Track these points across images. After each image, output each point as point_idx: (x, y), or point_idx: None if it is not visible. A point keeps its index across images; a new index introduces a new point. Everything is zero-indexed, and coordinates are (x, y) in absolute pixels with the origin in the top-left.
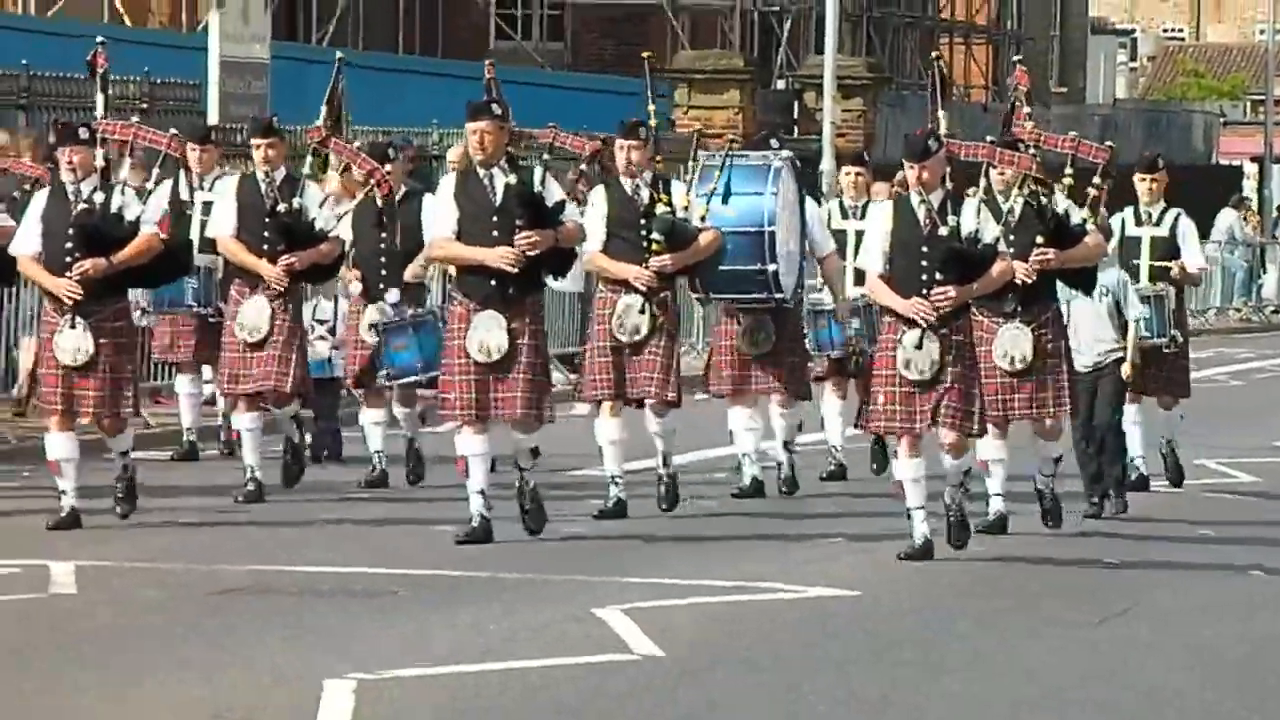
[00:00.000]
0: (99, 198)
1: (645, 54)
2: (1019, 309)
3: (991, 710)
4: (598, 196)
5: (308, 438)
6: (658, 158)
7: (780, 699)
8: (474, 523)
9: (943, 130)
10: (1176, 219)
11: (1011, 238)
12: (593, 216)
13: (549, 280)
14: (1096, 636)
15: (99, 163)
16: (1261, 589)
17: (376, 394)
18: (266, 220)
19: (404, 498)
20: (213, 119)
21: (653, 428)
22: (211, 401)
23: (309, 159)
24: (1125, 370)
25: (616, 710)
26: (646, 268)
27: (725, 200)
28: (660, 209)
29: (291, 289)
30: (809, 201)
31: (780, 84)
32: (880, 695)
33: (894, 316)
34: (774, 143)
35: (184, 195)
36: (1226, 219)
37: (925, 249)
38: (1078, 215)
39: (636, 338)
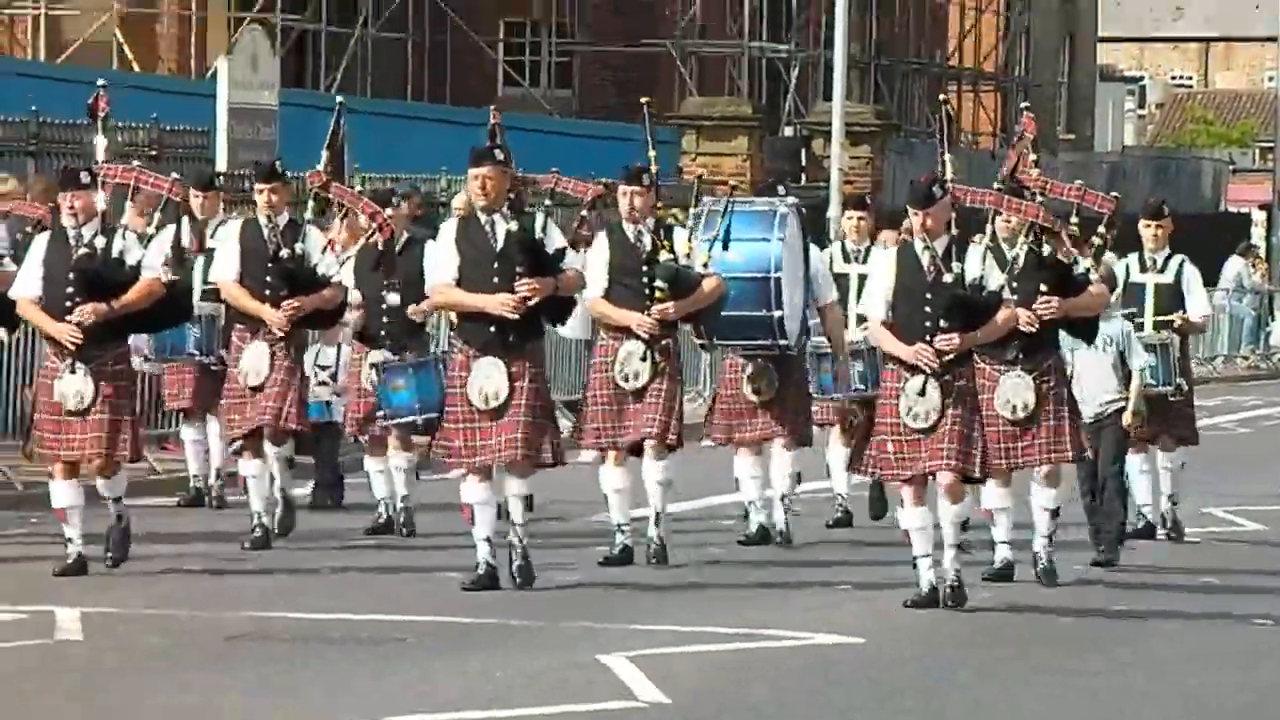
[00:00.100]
0: (100, 242)
1: (644, 100)
2: (1021, 356)
3: None
4: (600, 242)
5: (304, 489)
6: (659, 204)
7: None
8: (480, 570)
9: (949, 175)
10: (1181, 265)
11: (1015, 285)
12: (595, 262)
13: (557, 328)
14: (1096, 685)
15: (100, 207)
16: (1266, 638)
17: (380, 441)
18: (269, 266)
19: (409, 545)
20: (221, 165)
21: (652, 476)
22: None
23: (310, 203)
24: (1127, 419)
25: None
26: (649, 315)
27: (725, 246)
28: (663, 256)
29: (293, 334)
30: (813, 248)
31: (788, 131)
32: None
33: (897, 363)
34: (780, 189)
35: (185, 241)
36: (1234, 266)
37: (929, 296)
38: (1081, 264)
39: (638, 384)
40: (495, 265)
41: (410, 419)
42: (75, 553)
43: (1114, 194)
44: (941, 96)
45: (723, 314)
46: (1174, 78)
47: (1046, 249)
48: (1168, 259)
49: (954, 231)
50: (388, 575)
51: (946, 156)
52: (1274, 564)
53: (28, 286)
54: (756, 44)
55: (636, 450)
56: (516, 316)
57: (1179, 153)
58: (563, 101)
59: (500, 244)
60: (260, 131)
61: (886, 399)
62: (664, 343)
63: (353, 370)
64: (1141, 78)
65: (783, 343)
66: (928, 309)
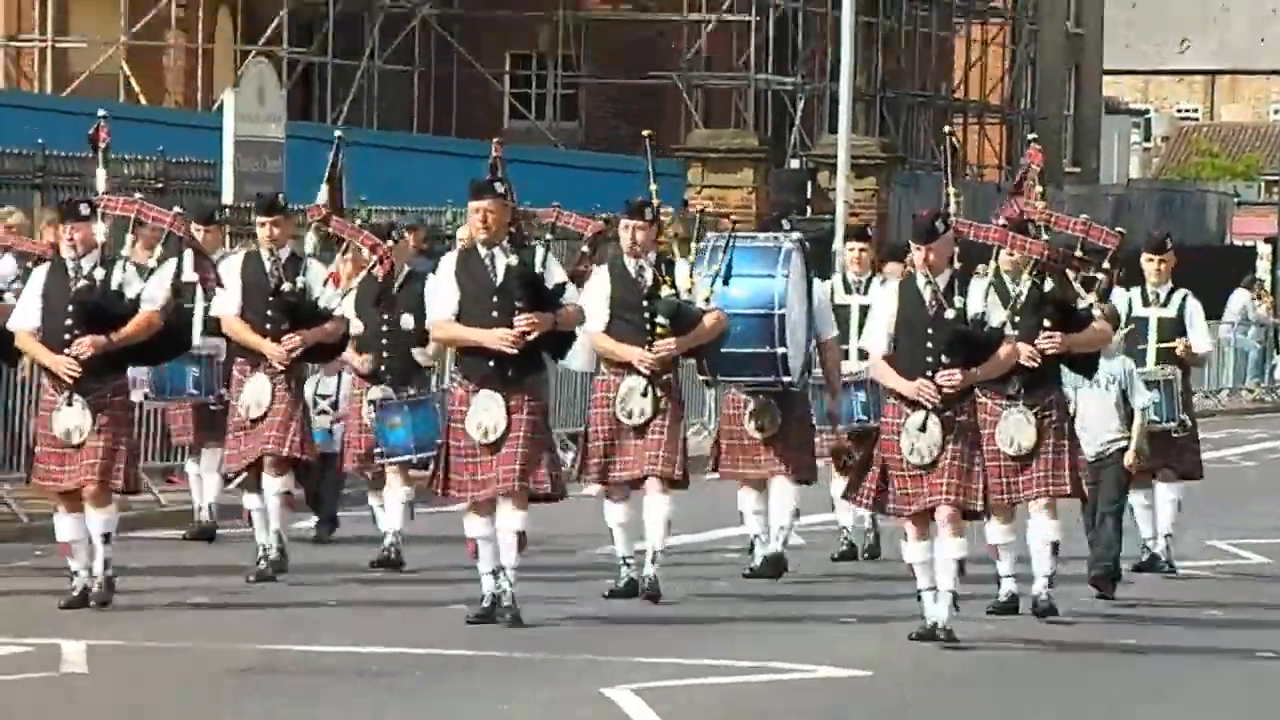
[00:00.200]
0: (99, 274)
1: (646, 133)
2: (1023, 391)
3: None
4: (600, 277)
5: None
6: (661, 238)
7: None
8: (485, 603)
9: (952, 208)
10: (1184, 300)
11: (1018, 320)
12: (595, 296)
13: (558, 362)
14: (1100, 718)
15: (100, 239)
16: (1271, 672)
17: (381, 476)
18: (270, 299)
19: (413, 579)
20: (227, 198)
21: (653, 513)
22: (227, 480)
23: (309, 237)
24: (1129, 459)
25: None
26: (650, 350)
27: (726, 281)
28: (664, 291)
29: (294, 367)
30: (816, 282)
31: (794, 163)
32: None
33: (898, 398)
34: (785, 224)
35: (187, 276)
36: (1239, 299)
37: (931, 331)
38: (1084, 300)
39: (640, 420)
40: (495, 299)
41: (406, 458)
42: (80, 585)
43: (1119, 229)
44: (946, 129)
45: (726, 351)
46: (1179, 110)
47: (1050, 284)
48: (1170, 293)
49: (956, 266)
50: (393, 608)
51: (950, 190)
52: (1279, 597)
53: (26, 318)
54: (762, 76)
55: (638, 484)
56: (515, 351)
57: (1184, 185)
58: (568, 133)
59: (500, 278)
60: (266, 164)
61: (887, 434)
62: (665, 378)
63: (354, 404)
64: (1147, 110)
65: (786, 379)
66: (929, 344)
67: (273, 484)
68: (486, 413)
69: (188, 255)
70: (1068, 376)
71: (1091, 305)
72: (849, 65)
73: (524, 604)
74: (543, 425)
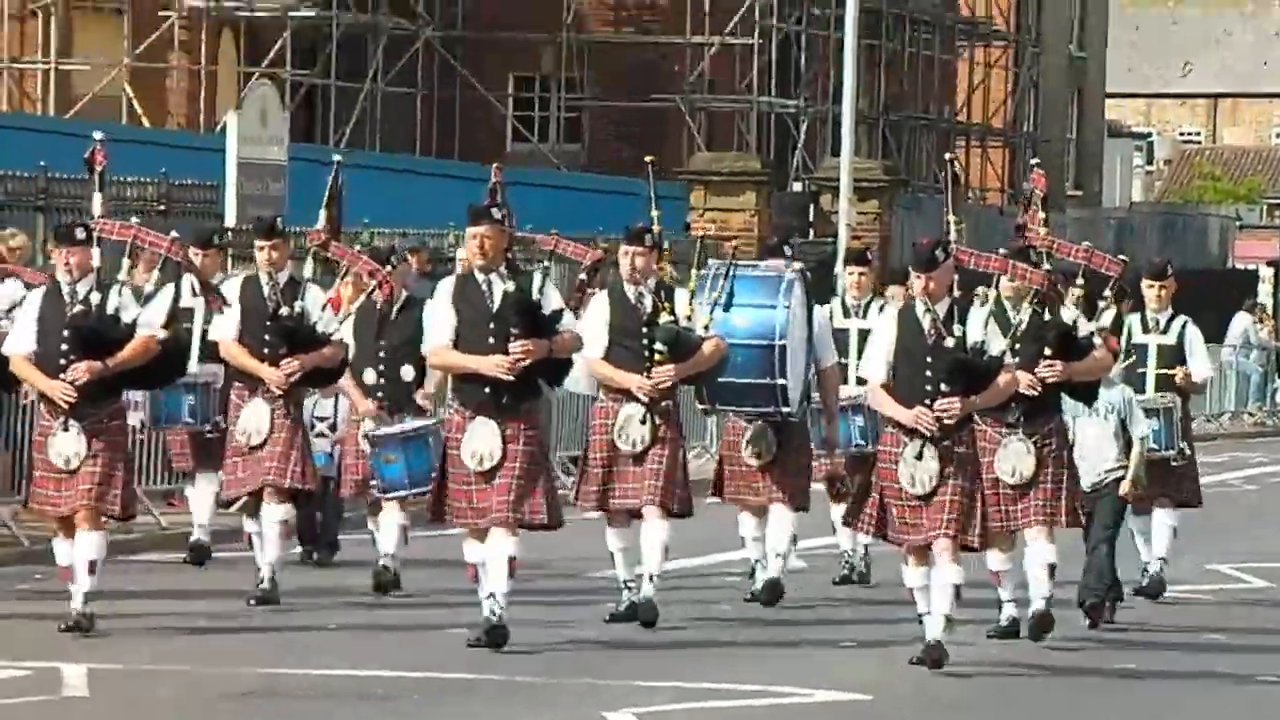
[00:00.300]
0: (95, 298)
1: (648, 159)
2: (1022, 419)
3: None
4: (600, 302)
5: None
6: (661, 264)
7: None
8: (485, 626)
9: (953, 236)
10: (1184, 327)
11: (1018, 347)
12: (595, 322)
13: (565, 384)
14: None
15: (96, 263)
16: (1273, 696)
17: (379, 502)
18: (268, 324)
19: (412, 602)
20: (230, 220)
21: (650, 540)
22: (227, 505)
23: (309, 261)
24: (1124, 488)
25: None
26: (648, 377)
27: (726, 308)
28: (663, 318)
29: (292, 392)
30: (817, 310)
31: (796, 186)
32: None
33: (896, 427)
34: (787, 250)
35: (185, 300)
36: (1241, 323)
37: (930, 359)
38: (1086, 328)
39: (638, 448)
40: (491, 326)
41: (402, 494)
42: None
43: (1121, 257)
44: (948, 156)
45: (726, 380)
46: (1182, 134)
47: (1050, 314)
48: (1170, 320)
49: (956, 294)
50: (392, 632)
51: (951, 219)
52: (1279, 622)
53: (21, 343)
54: (765, 99)
55: (637, 513)
56: (510, 378)
57: (1186, 209)
58: (571, 156)
59: (496, 304)
60: (269, 186)
61: (886, 463)
62: (664, 405)
63: (351, 430)
64: (1149, 134)
65: (785, 410)
66: (928, 372)
67: (274, 512)
68: (481, 441)
69: (186, 279)
70: (1066, 404)
71: (1092, 334)
72: (852, 88)
73: (524, 627)
74: (539, 454)
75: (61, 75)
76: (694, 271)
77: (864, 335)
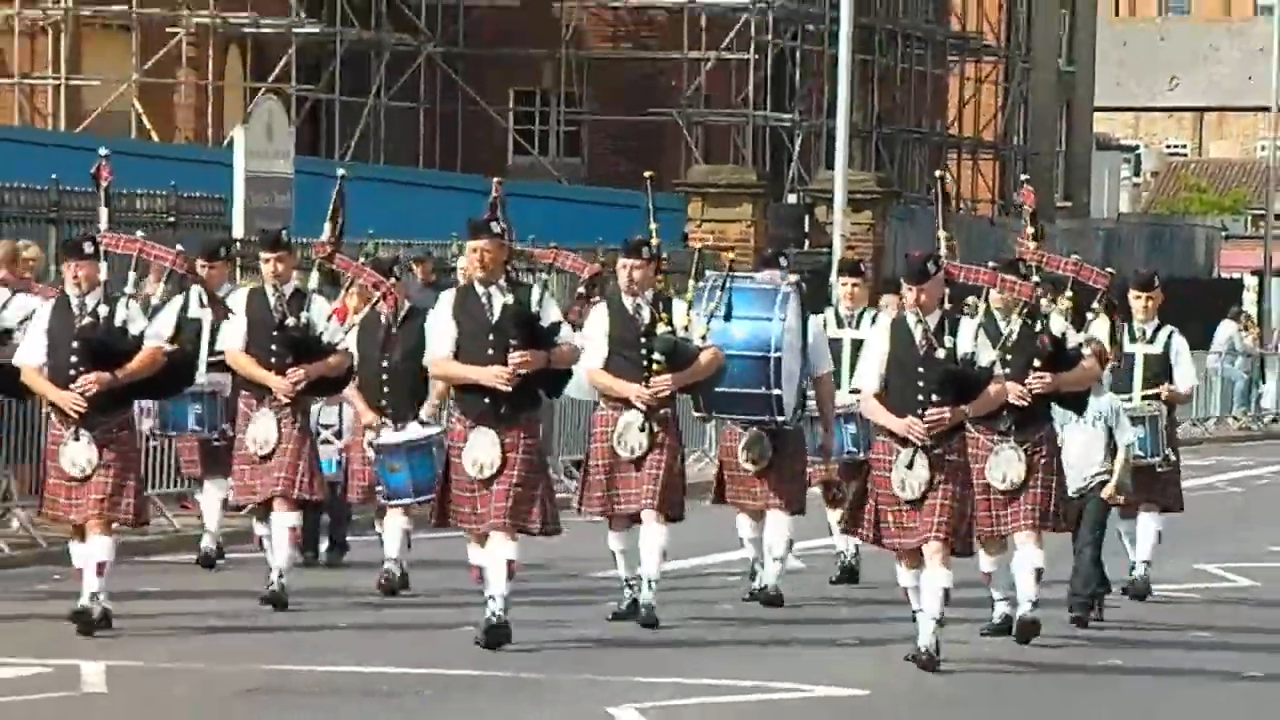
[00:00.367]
0: (103, 311)
1: (647, 174)
2: (1014, 428)
3: None
4: (600, 313)
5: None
6: (659, 276)
7: None
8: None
9: (943, 251)
10: (1170, 337)
11: (1009, 359)
12: (594, 333)
13: (565, 391)
14: None
15: (103, 276)
16: (1257, 693)
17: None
18: (274, 334)
19: (419, 602)
20: (238, 232)
21: (648, 544)
22: (238, 509)
23: (314, 273)
24: (1108, 491)
25: None
26: (646, 386)
27: (727, 319)
28: (661, 329)
29: (299, 400)
30: (812, 320)
31: (792, 198)
32: None
33: (888, 435)
34: (782, 260)
35: (194, 312)
36: (1227, 330)
37: (921, 369)
38: (1074, 339)
39: (636, 454)
40: (490, 337)
41: (407, 501)
42: (99, 608)
43: (1109, 269)
44: (938, 173)
45: (722, 390)
46: (1169, 146)
47: (1039, 325)
48: (1157, 330)
49: (947, 306)
50: (400, 630)
51: (942, 234)
52: (1265, 620)
53: (32, 355)
54: (761, 113)
55: (637, 517)
56: (508, 388)
57: (1173, 220)
58: (571, 168)
59: (496, 316)
60: (276, 199)
61: (879, 470)
62: (662, 413)
63: (357, 438)
64: (1137, 146)
65: (780, 419)
66: (920, 382)
67: (283, 519)
68: (481, 449)
69: (193, 291)
70: (1055, 412)
71: (1081, 345)
72: (846, 102)
73: (528, 626)
74: (537, 463)
75: (72, 91)
76: (691, 282)
77: (856, 345)
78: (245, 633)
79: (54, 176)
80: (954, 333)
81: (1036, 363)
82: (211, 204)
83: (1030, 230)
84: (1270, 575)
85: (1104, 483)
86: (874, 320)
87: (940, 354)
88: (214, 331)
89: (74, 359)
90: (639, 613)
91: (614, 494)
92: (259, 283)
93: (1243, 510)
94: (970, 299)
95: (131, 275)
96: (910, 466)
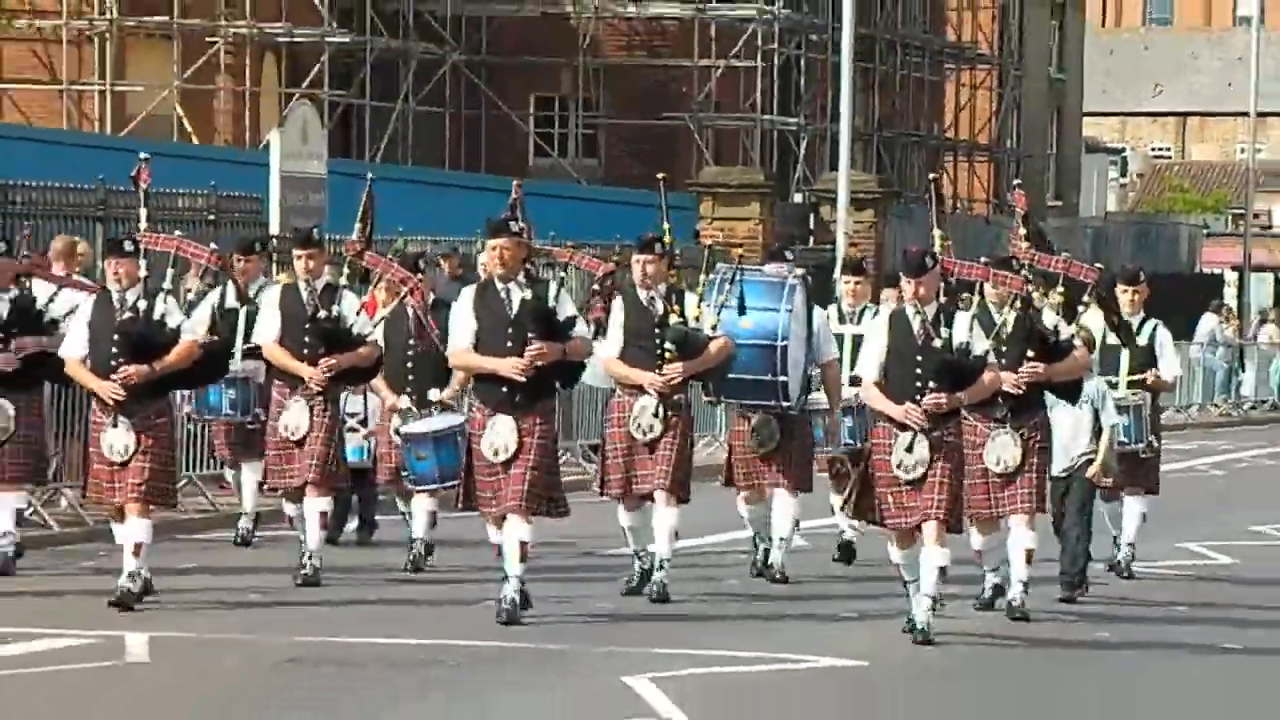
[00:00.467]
0: (142, 305)
1: (660, 176)
2: (1009, 415)
3: None
4: (616, 306)
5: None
6: (672, 271)
7: None
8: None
9: (937, 248)
10: (1155, 330)
11: (1003, 349)
12: (612, 324)
13: (583, 378)
14: (1088, 708)
15: (142, 273)
16: (1236, 665)
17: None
18: (307, 327)
19: (444, 578)
20: (274, 229)
21: (661, 523)
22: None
23: (345, 269)
24: (1092, 470)
25: None
26: (659, 374)
27: (742, 311)
28: (673, 320)
29: (330, 389)
30: (817, 310)
31: (798, 197)
32: None
33: (888, 421)
34: (787, 255)
35: (230, 303)
36: (1208, 323)
37: (919, 359)
38: (1066, 331)
39: (651, 436)
40: (509, 331)
41: (433, 487)
42: (140, 581)
43: (1097, 264)
44: (931, 177)
45: (732, 377)
46: (1153, 149)
47: (1034, 318)
48: (1142, 323)
49: (943, 299)
50: (429, 606)
51: (936, 232)
52: (1244, 596)
53: (74, 347)
54: (768, 118)
55: (649, 495)
56: (525, 379)
57: (1158, 218)
58: (589, 170)
59: (514, 311)
60: (310, 198)
61: (879, 454)
62: (675, 398)
63: (383, 424)
64: (1123, 149)
65: (785, 404)
66: (918, 371)
67: (315, 504)
68: (499, 435)
69: (229, 287)
70: (1046, 396)
71: (1072, 336)
72: (848, 107)
73: (548, 601)
74: (550, 449)
75: (117, 96)
76: (702, 276)
77: (857, 341)
78: (281, 607)
79: (100, 177)
80: (950, 324)
81: (1030, 353)
82: (249, 203)
83: (1023, 231)
84: (1249, 554)
85: (1089, 462)
86: (874, 316)
87: (937, 344)
88: (249, 322)
89: (114, 351)
90: (653, 592)
91: (634, 475)
92: (293, 278)
93: (1224, 492)
94: (965, 295)
95: (170, 271)
96: (910, 449)
